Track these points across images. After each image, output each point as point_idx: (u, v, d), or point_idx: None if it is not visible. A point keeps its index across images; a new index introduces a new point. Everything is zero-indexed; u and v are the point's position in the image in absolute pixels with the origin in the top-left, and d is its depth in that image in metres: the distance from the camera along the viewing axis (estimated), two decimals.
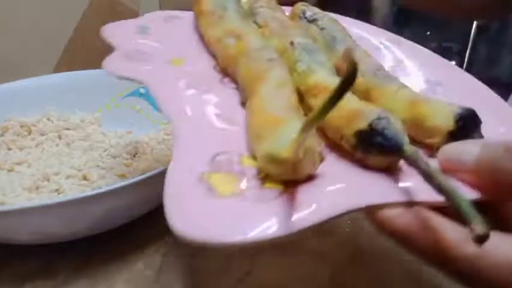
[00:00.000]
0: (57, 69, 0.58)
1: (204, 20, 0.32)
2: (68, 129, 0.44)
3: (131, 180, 0.28)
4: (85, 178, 0.37)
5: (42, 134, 0.43)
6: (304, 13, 0.35)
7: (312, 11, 0.35)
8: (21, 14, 0.51)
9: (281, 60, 0.27)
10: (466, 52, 1.64)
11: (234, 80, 0.28)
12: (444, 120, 0.23)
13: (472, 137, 0.22)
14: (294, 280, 0.30)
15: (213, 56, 0.30)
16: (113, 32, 0.30)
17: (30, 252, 0.32)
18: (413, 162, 0.19)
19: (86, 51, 0.65)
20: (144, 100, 0.49)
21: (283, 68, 0.26)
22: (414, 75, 0.33)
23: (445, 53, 1.70)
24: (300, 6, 0.35)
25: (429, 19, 1.54)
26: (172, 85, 0.26)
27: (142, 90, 0.49)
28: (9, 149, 0.41)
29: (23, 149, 0.41)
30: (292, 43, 0.29)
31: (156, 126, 0.47)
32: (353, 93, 0.24)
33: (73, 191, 0.35)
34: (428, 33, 1.64)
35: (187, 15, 0.35)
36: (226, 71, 0.28)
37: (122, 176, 0.37)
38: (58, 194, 0.34)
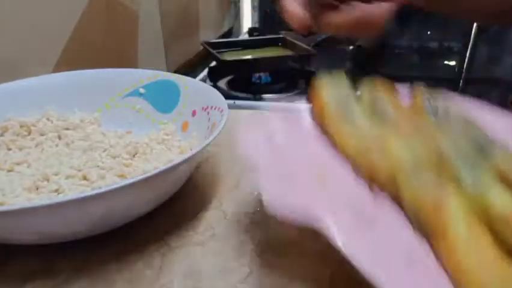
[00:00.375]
0: (57, 69, 0.58)
1: (329, 122, 0.31)
2: (67, 129, 0.44)
3: (131, 180, 0.28)
4: (84, 178, 0.37)
5: (42, 134, 0.43)
6: (430, 107, 0.33)
7: (434, 101, 0.33)
8: (20, 13, 0.51)
9: (446, 180, 0.25)
10: (466, 52, 1.64)
11: (393, 199, 0.26)
12: None
13: None
14: (294, 281, 0.30)
15: (349, 163, 0.29)
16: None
17: (30, 252, 0.32)
18: None
19: (85, 51, 0.65)
20: (144, 100, 0.49)
21: (458, 196, 0.24)
22: None
23: (445, 52, 1.71)
24: (421, 97, 0.34)
25: (429, 19, 1.54)
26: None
27: (141, 90, 0.49)
28: (9, 149, 0.41)
29: (22, 149, 0.41)
30: (442, 152, 0.27)
31: (156, 126, 0.47)
32: None
33: (73, 191, 0.34)
34: (429, 32, 1.64)
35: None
36: (374, 185, 0.27)
37: (122, 176, 0.37)
38: (58, 194, 0.34)
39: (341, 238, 0.23)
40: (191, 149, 0.42)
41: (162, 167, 0.29)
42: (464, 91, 1.73)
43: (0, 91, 0.44)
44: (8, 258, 0.32)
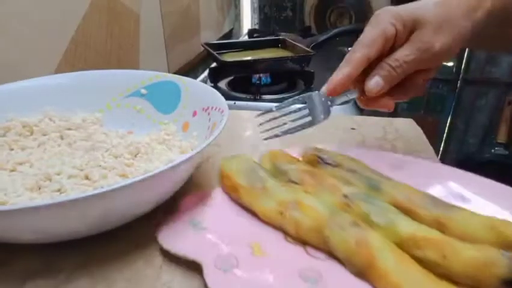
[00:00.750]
0: (59, 69, 0.58)
1: (245, 195, 0.35)
2: (69, 129, 0.44)
3: (133, 180, 0.28)
4: (86, 178, 0.37)
5: (44, 134, 0.43)
6: (323, 159, 0.40)
7: (326, 154, 0.41)
8: (22, 15, 0.51)
9: (358, 219, 0.31)
10: (464, 52, 1.64)
11: (321, 248, 0.31)
12: None
13: None
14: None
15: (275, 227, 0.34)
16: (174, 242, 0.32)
17: (31, 251, 0.33)
18: None
19: (87, 52, 0.65)
20: (145, 100, 0.49)
21: (373, 233, 0.29)
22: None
23: None
24: (313, 154, 0.41)
25: None
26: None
27: (143, 91, 0.49)
28: (12, 149, 0.41)
29: (25, 149, 0.41)
30: (346, 196, 0.34)
31: (157, 127, 0.47)
32: (426, 224, 0.31)
33: (75, 190, 0.35)
34: None
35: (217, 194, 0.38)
36: (303, 241, 0.32)
37: (124, 176, 0.37)
38: (60, 193, 0.35)
39: None
40: (192, 149, 0.42)
41: (163, 167, 0.29)
42: (461, 92, 1.73)
43: (3, 92, 0.44)
44: (8, 258, 0.32)
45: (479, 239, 0.29)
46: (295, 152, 0.43)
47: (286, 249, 0.32)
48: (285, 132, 0.40)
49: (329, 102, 0.40)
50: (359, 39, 0.38)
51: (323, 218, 0.31)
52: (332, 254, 0.31)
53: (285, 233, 0.33)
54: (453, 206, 0.33)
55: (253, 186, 0.35)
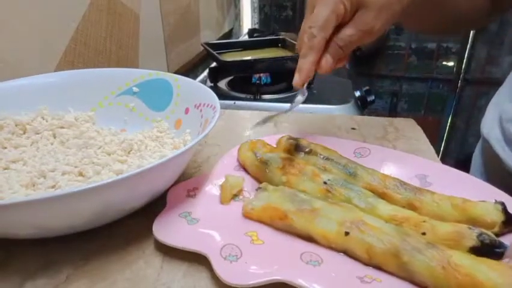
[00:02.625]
0: (59, 69, 0.58)
1: (297, 220, 0.34)
2: (62, 127, 0.44)
3: (126, 175, 0.28)
4: (80, 174, 0.37)
5: (37, 133, 0.43)
6: (298, 147, 0.43)
7: (301, 142, 0.43)
8: (22, 14, 0.51)
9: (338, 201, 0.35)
10: (464, 52, 1.64)
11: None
12: (496, 216, 0.32)
13: None
14: None
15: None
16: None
17: (31, 251, 0.33)
18: None
19: (87, 52, 0.65)
20: (137, 98, 0.49)
21: (450, 250, 0.29)
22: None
23: (444, 53, 1.71)
24: (287, 141, 0.44)
25: None
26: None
27: (135, 89, 0.49)
28: (4, 148, 0.41)
29: (18, 148, 0.41)
30: (325, 183, 0.37)
31: (149, 124, 0.47)
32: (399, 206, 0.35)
33: (69, 187, 0.35)
34: None
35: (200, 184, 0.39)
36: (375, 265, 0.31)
37: (117, 172, 0.37)
38: (55, 190, 0.35)
39: None
40: (184, 145, 0.42)
41: (156, 161, 0.30)
42: (462, 92, 1.72)
43: None
44: (8, 258, 0.32)
45: (446, 218, 0.34)
46: (272, 141, 0.45)
47: (281, 236, 0.33)
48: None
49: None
50: (312, 18, 0.41)
51: (394, 240, 0.29)
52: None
53: (350, 255, 0.31)
54: (421, 189, 0.37)
55: (302, 209, 0.34)
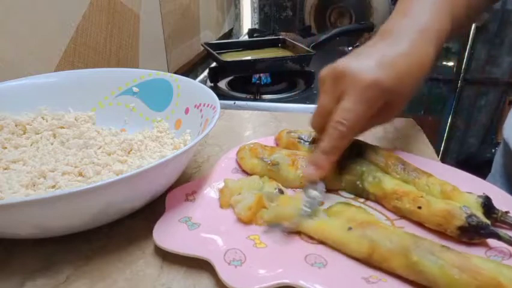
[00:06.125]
0: (59, 69, 0.58)
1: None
2: (62, 127, 0.44)
3: (125, 175, 0.28)
4: (80, 175, 0.37)
5: (37, 133, 0.43)
6: (301, 138, 0.45)
7: (303, 134, 0.45)
8: (22, 15, 0.51)
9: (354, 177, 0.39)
10: (464, 52, 1.64)
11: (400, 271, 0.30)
12: (475, 209, 0.33)
13: (494, 212, 0.34)
14: None
15: None
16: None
17: (31, 251, 0.33)
18: (507, 242, 0.31)
19: (87, 52, 0.65)
20: (137, 98, 0.49)
21: (468, 254, 0.29)
22: None
23: (444, 53, 1.70)
24: (289, 136, 0.45)
25: None
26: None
27: (135, 89, 0.49)
28: (4, 148, 0.41)
29: (18, 148, 0.41)
30: (339, 161, 0.38)
31: (149, 124, 0.47)
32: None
33: (69, 187, 0.35)
34: None
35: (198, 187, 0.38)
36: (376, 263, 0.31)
37: (118, 172, 0.37)
38: (55, 190, 0.35)
39: None
40: (184, 145, 0.42)
41: (156, 161, 0.30)
42: (462, 92, 1.72)
43: None
44: (8, 258, 0.32)
45: (435, 197, 0.36)
46: (268, 142, 0.46)
47: (284, 239, 0.33)
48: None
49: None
50: (343, 113, 0.36)
51: (405, 241, 0.30)
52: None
53: (348, 254, 0.31)
54: (420, 171, 0.39)
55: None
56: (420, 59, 0.37)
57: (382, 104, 0.37)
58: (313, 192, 0.37)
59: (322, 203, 0.37)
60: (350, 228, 0.32)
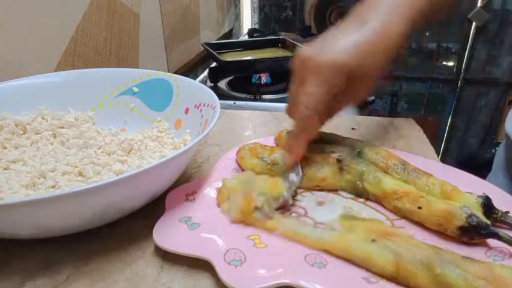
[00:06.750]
0: (59, 69, 0.58)
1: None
2: (62, 127, 0.44)
3: (125, 175, 0.28)
4: (80, 175, 0.37)
5: (37, 133, 0.43)
6: None
7: None
8: (22, 15, 0.51)
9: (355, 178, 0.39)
10: (464, 53, 1.64)
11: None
12: (475, 208, 0.33)
13: (494, 212, 0.34)
14: None
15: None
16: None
17: (31, 251, 0.33)
18: (507, 242, 0.31)
19: (87, 51, 0.65)
20: (137, 98, 0.49)
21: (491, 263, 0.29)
22: None
23: (444, 53, 1.71)
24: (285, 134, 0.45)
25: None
26: None
27: (135, 89, 0.49)
28: (4, 148, 0.41)
29: (18, 148, 0.41)
30: (339, 160, 0.40)
31: (150, 124, 0.47)
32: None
33: (69, 187, 0.35)
34: (427, 33, 1.64)
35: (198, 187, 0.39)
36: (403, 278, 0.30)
37: (118, 172, 0.37)
38: (55, 190, 0.35)
39: None
40: (184, 145, 0.42)
41: (156, 161, 0.30)
42: (462, 92, 1.72)
43: None
44: (8, 258, 0.32)
45: (435, 196, 0.36)
46: (268, 142, 0.46)
47: (283, 239, 0.33)
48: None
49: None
50: (305, 98, 0.37)
51: (426, 252, 0.29)
52: None
53: (369, 270, 0.30)
54: (420, 172, 0.39)
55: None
56: (386, 39, 0.37)
57: (346, 84, 0.37)
58: (292, 177, 0.39)
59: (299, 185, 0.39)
60: (373, 240, 0.31)
